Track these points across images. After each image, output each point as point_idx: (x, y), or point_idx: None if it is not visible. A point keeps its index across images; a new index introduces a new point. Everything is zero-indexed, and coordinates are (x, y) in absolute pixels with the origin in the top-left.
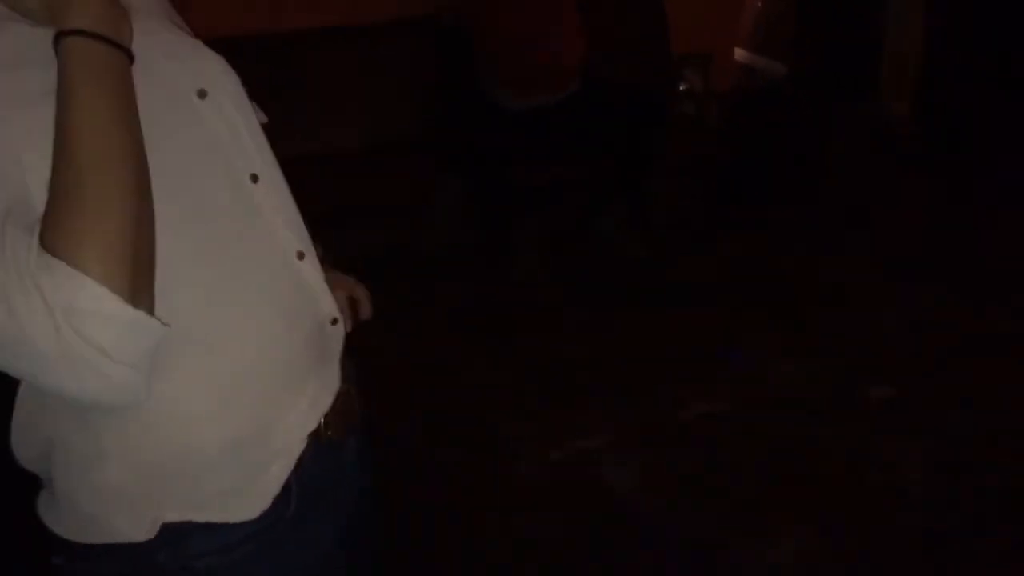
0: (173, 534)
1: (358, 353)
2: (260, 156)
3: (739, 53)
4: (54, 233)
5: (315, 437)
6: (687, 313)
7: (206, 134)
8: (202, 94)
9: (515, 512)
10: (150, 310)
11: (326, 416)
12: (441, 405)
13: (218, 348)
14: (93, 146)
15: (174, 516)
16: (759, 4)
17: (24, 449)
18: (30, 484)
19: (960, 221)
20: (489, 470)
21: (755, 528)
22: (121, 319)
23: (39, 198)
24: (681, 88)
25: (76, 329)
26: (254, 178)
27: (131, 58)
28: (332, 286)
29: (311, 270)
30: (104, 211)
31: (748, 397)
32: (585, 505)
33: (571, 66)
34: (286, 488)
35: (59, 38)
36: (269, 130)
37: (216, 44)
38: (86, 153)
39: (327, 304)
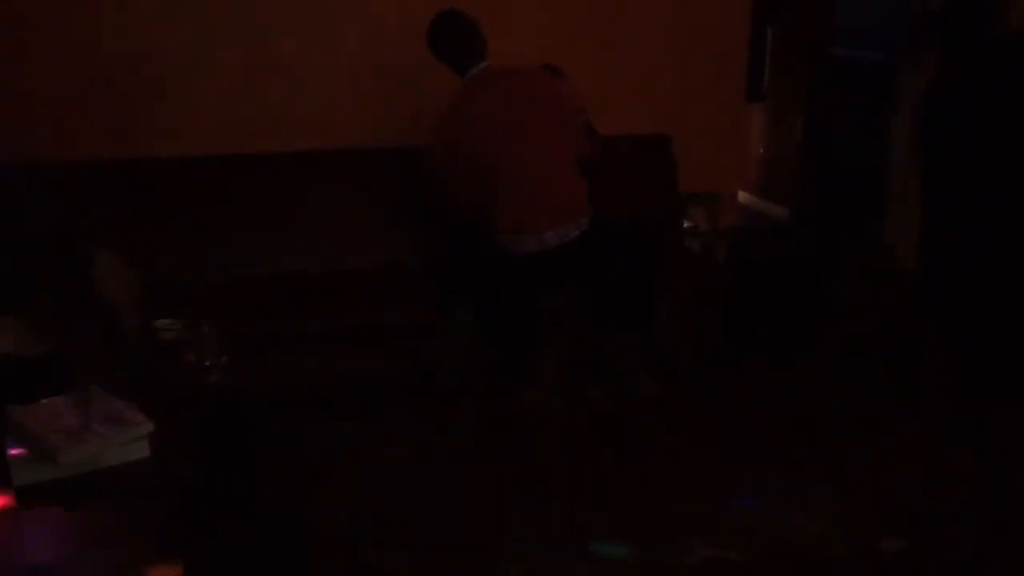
0: None
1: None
2: None
3: (743, 196)
4: None
5: None
6: (695, 453)
7: None
8: None
9: None
10: None
11: None
12: (438, 533)
13: None
14: None
15: None
16: (762, 151)
17: None
18: None
19: (966, 359)
20: None
21: None
22: None
23: None
24: (686, 225)
25: None
26: None
27: None
28: None
29: None
30: None
31: (756, 544)
32: None
33: (578, 209)
34: None
35: None
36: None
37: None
38: None
39: None
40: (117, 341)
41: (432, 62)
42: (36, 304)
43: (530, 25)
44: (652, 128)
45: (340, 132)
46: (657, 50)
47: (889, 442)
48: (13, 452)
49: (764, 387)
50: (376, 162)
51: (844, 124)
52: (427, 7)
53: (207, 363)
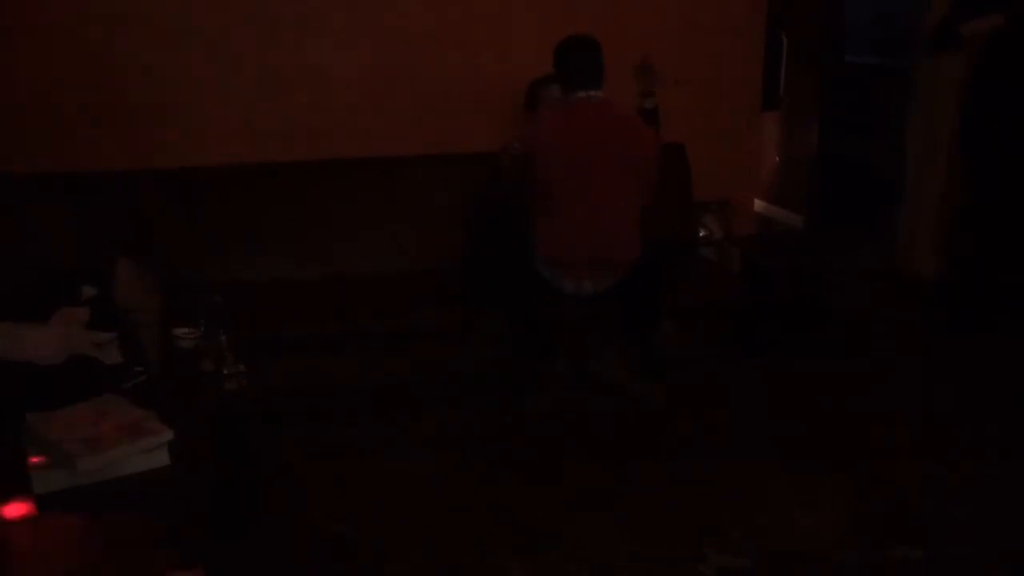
0: None
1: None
2: None
3: (758, 204)
4: None
5: None
6: (705, 459)
7: None
8: None
9: None
10: None
11: None
12: (442, 538)
13: None
14: None
15: None
16: (777, 158)
17: None
18: None
19: (987, 376)
20: None
21: None
22: None
23: None
24: (700, 234)
25: None
26: None
27: None
28: None
29: None
30: None
31: (770, 552)
32: None
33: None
34: None
35: None
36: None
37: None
38: None
39: None
40: (136, 349)
41: (443, 72)
42: (57, 313)
43: (540, 32)
44: (666, 136)
45: (354, 142)
46: (671, 56)
47: (901, 448)
48: (33, 460)
49: (776, 392)
50: (391, 170)
51: (859, 131)
52: (439, 18)
53: (225, 371)
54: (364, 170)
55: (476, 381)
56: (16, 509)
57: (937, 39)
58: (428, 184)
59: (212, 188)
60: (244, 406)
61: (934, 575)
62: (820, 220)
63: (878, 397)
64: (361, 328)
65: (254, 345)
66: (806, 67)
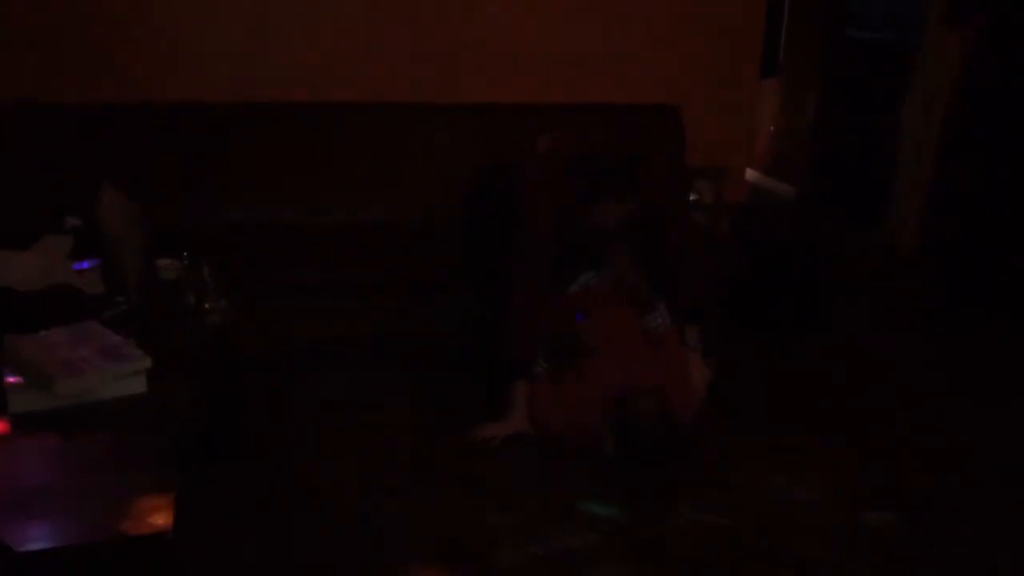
0: None
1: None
2: None
3: (750, 173)
4: None
5: None
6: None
7: None
8: None
9: None
10: None
11: None
12: (427, 482)
13: None
14: None
15: None
16: (772, 128)
17: None
18: None
19: (965, 346)
20: (468, 556)
21: None
22: None
23: None
24: (692, 199)
25: None
26: None
27: None
28: None
29: None
30: None
31: (742, 512)
32: None
33: None
34: None
35: None
36: None
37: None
38: None
39: None
40: (118, 279)
41: (448, 14)
42: (39, 240)
43: None
44: (663, 99)
45: (351, 86)
46: (671, 20)
47: (883, 418)
48: (10, 380)
49: (761, 360)
50: (386, 117)
51: (856, 105)
52: None
53: (207, 305)
54: (359, 115)
55: (460, 338)
56: None
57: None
58: (426, 133)
59: (203, 125)
60: (227, 341)
61: (908, 543)
62: (813, 192)
63: (864, 368)
64: (346, 278)
65: (234, 288)
66: (807, 38)
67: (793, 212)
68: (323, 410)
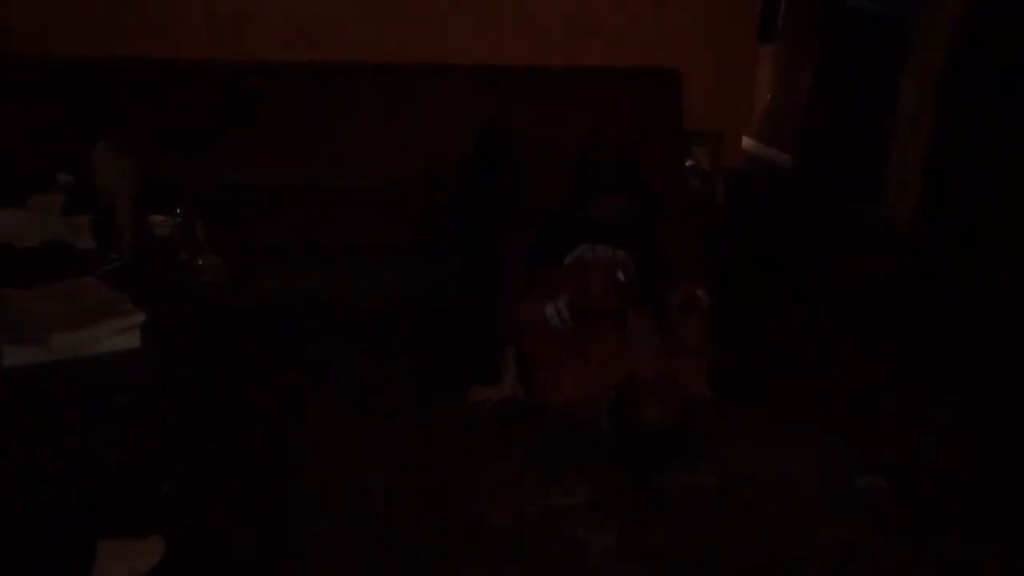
0: None
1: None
2: None
3: (745, 141)
4: None
5: None
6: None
7: None
8: None
9: (483, 561)
10: None
11: None
12: (420, 445)
13: None
14: None
15: None
16: (769, 96)
17: None
18: None
19: (959, 320)
20: (462, 516)
21: None
22: None
23: None
24: (688, 164)
25: None
26: None
27: None
28: None
29: None
30: None
31: (734, 477)
32: (555, 564)
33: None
34: None
35: None
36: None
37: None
38: None
39: None
40: (111, 235)
41: None
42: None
43: None
44: (661, 62)
45: (350, 47)
46: None
47: (875, 390)
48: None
49: (753, 332)
50: (385, 78)
51: (854, 76)
52: None
53: (200, 262)
54: (357, 77)
55: (452, 301)
56: None
57: None
58: (423, 94)
59: (198, 83)
60: (221, 297)
61: (895, 506)
62: (808, 161)
63: (855, 339)
64: (334, 239)
65: (226, 248)
66: (806, 5)
67: (789, 181)
68: (312, 378)
